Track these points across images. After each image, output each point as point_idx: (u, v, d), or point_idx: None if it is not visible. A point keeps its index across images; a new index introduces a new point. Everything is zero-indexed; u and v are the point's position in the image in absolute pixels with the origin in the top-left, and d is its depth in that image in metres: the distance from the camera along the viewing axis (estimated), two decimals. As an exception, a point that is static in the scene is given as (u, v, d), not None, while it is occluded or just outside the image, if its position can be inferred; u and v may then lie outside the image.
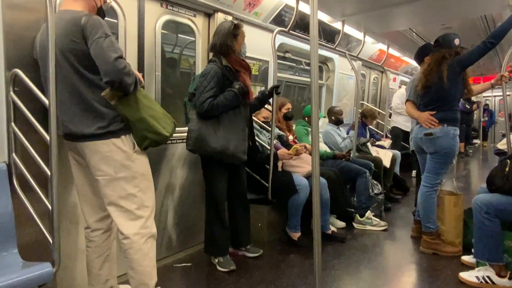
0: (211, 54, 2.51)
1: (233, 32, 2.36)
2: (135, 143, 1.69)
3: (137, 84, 1.62)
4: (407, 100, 3.01)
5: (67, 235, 1.94)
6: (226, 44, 2.35)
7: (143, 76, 2.03)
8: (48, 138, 1.46)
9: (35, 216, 1.60)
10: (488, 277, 2.19)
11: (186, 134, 2.77)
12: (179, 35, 2.85)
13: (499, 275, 2.17)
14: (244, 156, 2.45)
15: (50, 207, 1.49)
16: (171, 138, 1.83)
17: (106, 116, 1.61)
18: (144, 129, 1.66)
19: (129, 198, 1.67)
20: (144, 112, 1.65)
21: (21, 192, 1.66)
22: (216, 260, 2.49)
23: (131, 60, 2.36)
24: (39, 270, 1.40)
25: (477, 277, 2.22)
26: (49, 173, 1.47)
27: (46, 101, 1.48)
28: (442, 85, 2.59)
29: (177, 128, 1.85)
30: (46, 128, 1.48)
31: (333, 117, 4.02)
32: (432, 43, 2.87)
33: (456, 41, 2.67)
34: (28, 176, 1.61)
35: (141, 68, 2.43)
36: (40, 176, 1.58)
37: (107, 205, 1.68)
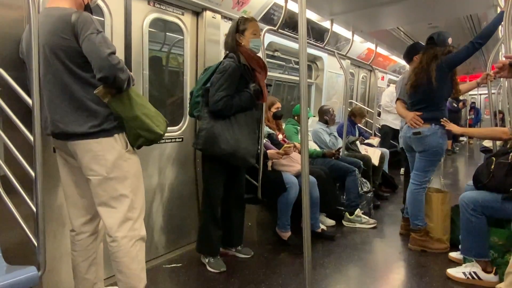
0: (202, 53, 2.49)
1: (239, 28, 2.34)
2: (128, 142, 1.66)
3: (130, 81, 1.60)
4: (397, 99, 3.04)
5: (53, 237, 1.91)
6: (228, 43, 2.37)
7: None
8: (32, 138, 1.43)
9: (19, 219, 1.56)
10: (474, 273, 2.23)
11: (175, 133, 2.77)
12: (167, 33, 2.82)
13: (485, 270, 2.21)
14: (253, 160, 2.41)
15: (34, 209, 1.45)
16: (161, 137, 1.81)
17: (99, 115, 1.58)
18: (138, 127, 1.64)
19: (120, 199, 1.64)
20: (138, 110, 1.63)
21: (5, 194, 1.61)
22: (207, 260, 2.47)
23: (118, 59, 2.33)
24: (25, 274, 1.36)
25: (464, 273, 2.26)
26: (33, 174, 1.44)
27: (29, 101, 1.44)
28: (431, 85, 2.61)
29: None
30: (30, 128, 1.44)
31: (325, 117, 4.03)
32: (420, 42, 2.89)
33: (450, 40, 2.70)
34: (12, 178, 1.57)
35: (128, 67, 2.39)
36: (25, 178, 1.55)
37: (98, 205, 1.65)
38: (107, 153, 1.60)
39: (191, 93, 2.48)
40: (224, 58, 2.38)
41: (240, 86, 2.29)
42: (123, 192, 1.64)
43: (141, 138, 1.66)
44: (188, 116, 2.77)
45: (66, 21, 1.50)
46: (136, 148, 1.71)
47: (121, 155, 1.63)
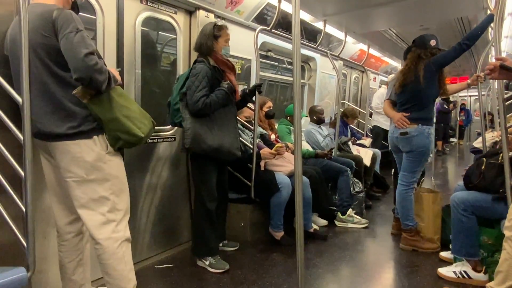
0: (195, 53, 2.50)
1: (214, 33, 2.40)
2: (108, 144, 1.63)
3: (111, 82, 1.55)
4: (386, 99, 3.05)
5: (42, 238, 1.88)
6: (206, 45, 2.40)
7: (122, 74, 1.95)
8: (21, 137, 1.40)
9: (8, 219, 1.53)
10: (465, 272, 2.25)
11: (167, 133, 2.75)
12: (159, 32, 2.80)
13: (475, 269, 2.24)
14: (238, 152, 2.48)
15: (24, 209, 1.43)
16: (151, 137, 1.78)
17: (78, 115, 1.54)
18: (116, 129, 1.60)
19: (100, 201, 1.61)
20: (118, 111, 1.59)
21: (-7, 194, 1.58)
22: (207, 262, 2.44)
23: (110, 57, 2.30)
24: (13, 275, 1.33)
25: (455, 272, 2.28)
26: (22, 174, 1.41)
27: (19, 98, 1.42)
28: (418, 84, 2.64)
29: (158, 127, 1.80)
30: (19, 126, 1.41)
31: (314, 117, 4.04)
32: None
33: (432, 42, 2.72)
34: (1, 178, 1.54)
35: (120, 66, 2.37)
36: (14, 178, 1.52)
37: (78, 208, 1.62)
38: (85, 155, 1.56)
39: (169, 103, 2.52)
40: (194, 63, 2.44)
41: (214, 87, 2.38)
42: (104, 194, 1.61)
43: (120, 140, 1.62)
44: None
45: (47, 18, 1.46)
46: (116, 150, 1.66)
47: (100, 157, 1.59)
